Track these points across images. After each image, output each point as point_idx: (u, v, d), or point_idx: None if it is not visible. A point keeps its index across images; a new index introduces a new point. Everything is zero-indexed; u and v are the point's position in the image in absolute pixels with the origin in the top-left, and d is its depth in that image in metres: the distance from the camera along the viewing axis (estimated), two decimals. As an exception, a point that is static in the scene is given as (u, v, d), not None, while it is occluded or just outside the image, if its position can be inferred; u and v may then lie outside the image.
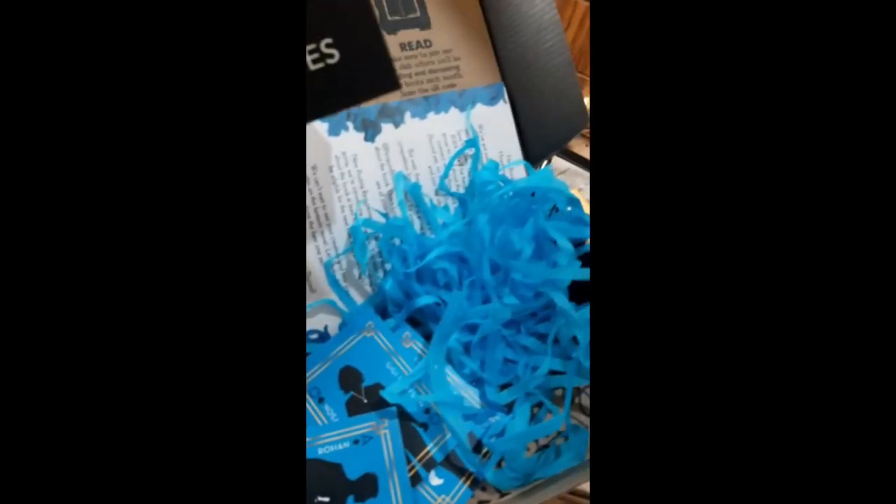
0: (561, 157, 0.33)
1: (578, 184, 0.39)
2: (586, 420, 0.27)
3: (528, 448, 0.25)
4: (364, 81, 0.19)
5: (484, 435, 0.25)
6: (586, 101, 0.33)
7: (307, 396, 0.26)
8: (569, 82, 0.32)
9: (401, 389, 0.25)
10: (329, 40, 0.18)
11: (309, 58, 0.18)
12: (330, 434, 0.25)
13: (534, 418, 0.26)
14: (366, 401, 0.26)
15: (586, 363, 0.25)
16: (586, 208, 0.28)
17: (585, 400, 0.28)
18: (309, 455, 0.24)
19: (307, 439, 0.24)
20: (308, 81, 0.18)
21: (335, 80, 0.19)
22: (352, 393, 0.26)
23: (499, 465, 0.25)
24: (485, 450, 0.25)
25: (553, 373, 0.26)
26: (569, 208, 0.28)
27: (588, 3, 0.50)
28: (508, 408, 0.26)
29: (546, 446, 0.26)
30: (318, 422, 0.25)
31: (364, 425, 0.25)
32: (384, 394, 0.25)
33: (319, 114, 0.19)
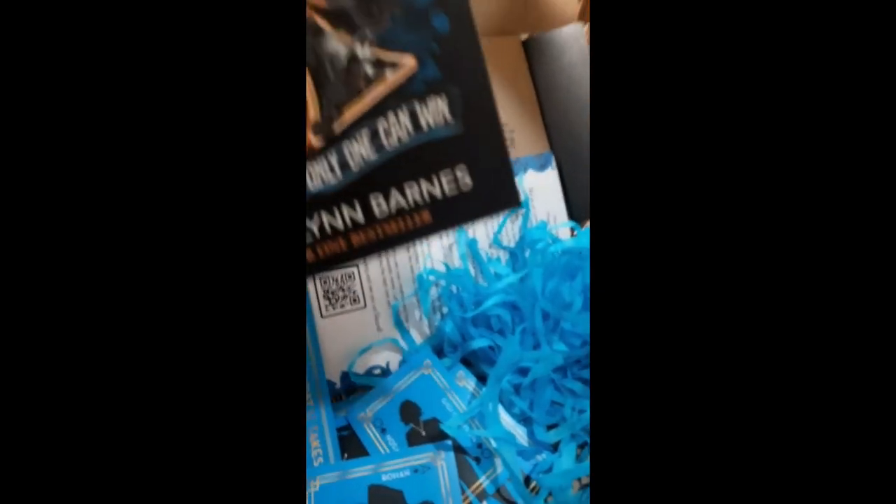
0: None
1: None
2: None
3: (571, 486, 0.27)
4: (491, 202, 0.20)
5: (532, 471, 0.27)
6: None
7: (371, 426, 0.29)
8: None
9: (458, 423, 0.27)
10: (464, 167, 0.19)
11: (444, 178, 0.19)
12: (392, 462, 0.27)
13: (578, 458, 0.28)
14: (424, 433, 0.28)
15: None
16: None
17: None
18: (373, 481, 0.26)
19: (371, 466, 0.27)
20: (440, 204, 0.19)
21: (465, 202, 0.20)
22: (411, 425, 0.28)
23: (546, 500, 0.26)
24: (532, 484, 0.27)
25: (596, 416, 0.28)
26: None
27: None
28: (554, 447, 0.28)
29: (588, 485, 0.28)
30: (381, 450, 0.28)
31: (422, 455, 0.27)
32: (444, 426, 0.27)
33: (440, 230, 0.20)
